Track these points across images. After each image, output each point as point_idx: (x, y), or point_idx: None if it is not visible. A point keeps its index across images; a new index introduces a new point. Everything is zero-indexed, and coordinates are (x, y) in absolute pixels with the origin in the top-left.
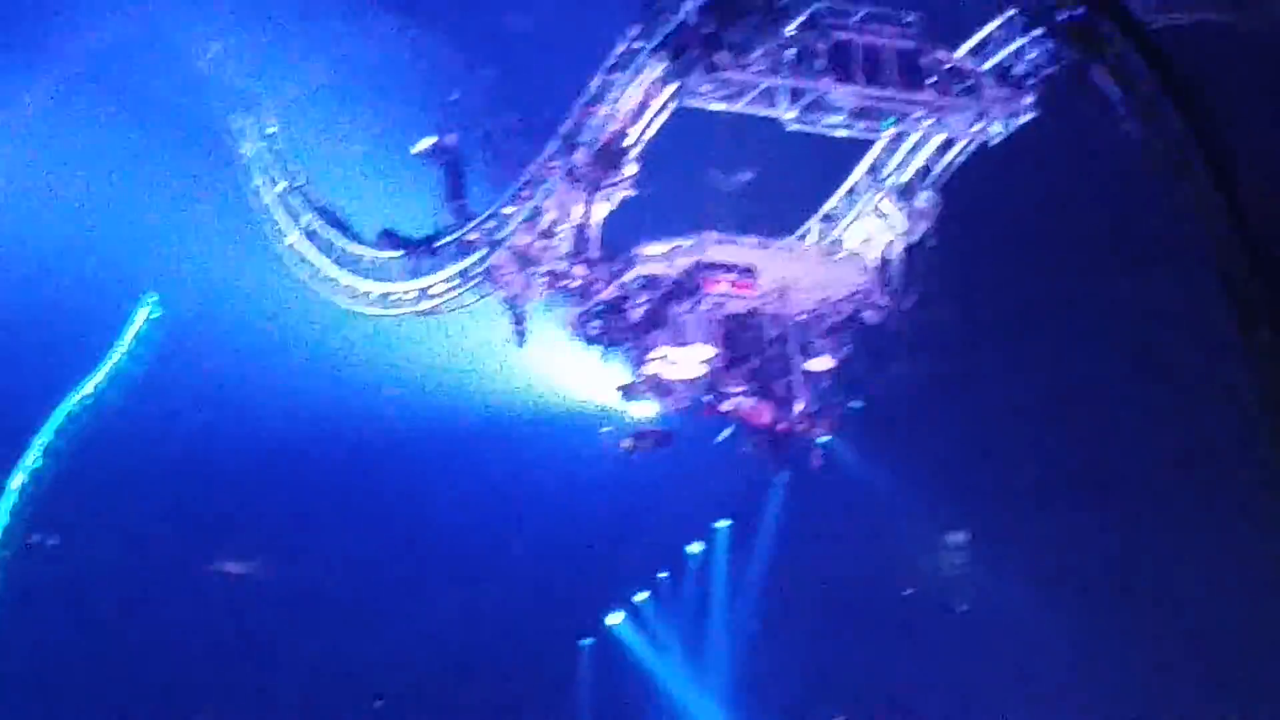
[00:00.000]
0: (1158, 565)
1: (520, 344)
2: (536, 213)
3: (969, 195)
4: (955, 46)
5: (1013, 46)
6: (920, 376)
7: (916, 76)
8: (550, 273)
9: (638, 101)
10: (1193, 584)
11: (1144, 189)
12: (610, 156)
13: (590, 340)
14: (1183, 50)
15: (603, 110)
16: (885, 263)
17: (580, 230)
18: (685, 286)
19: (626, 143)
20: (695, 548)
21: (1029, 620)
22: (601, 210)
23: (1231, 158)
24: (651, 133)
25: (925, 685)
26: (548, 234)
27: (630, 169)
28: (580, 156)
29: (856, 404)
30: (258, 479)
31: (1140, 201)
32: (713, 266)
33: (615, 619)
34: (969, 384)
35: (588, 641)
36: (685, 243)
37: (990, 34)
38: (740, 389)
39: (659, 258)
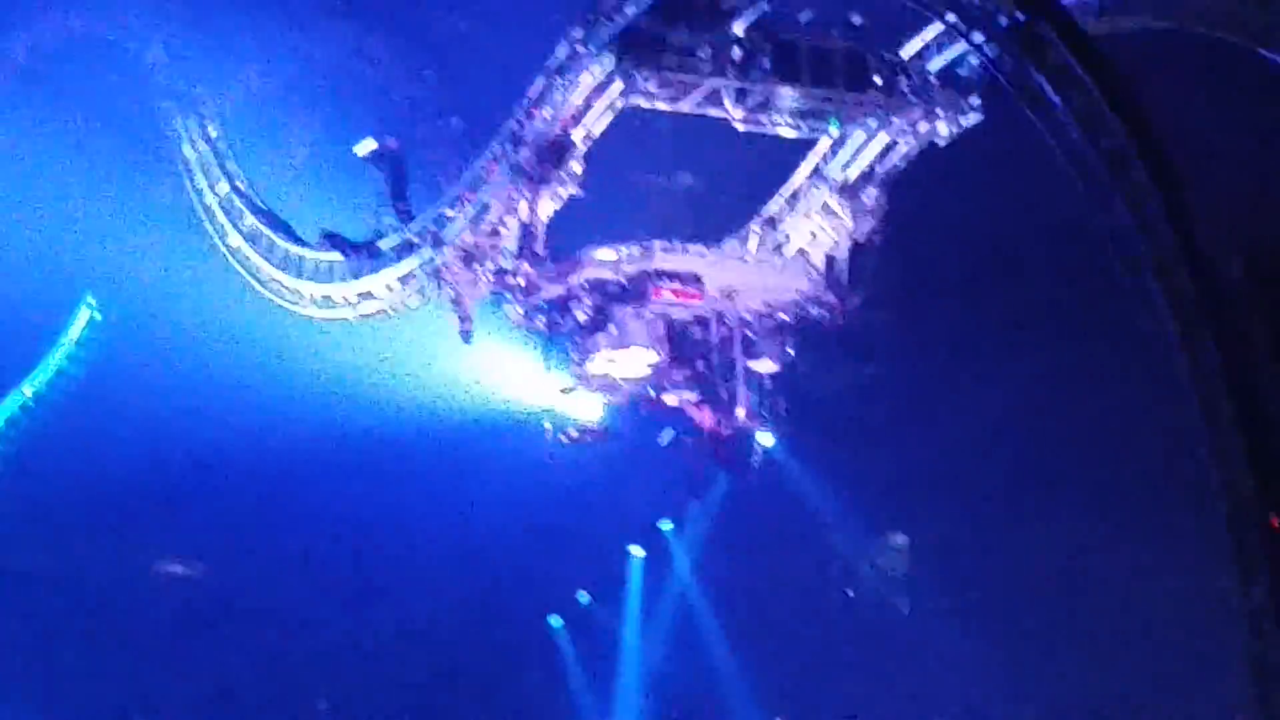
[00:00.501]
0: (1100, 570)
1: (467, 341)
2: (483, 210)
3: (914, 197)
4: (902, 48)
5: (958, 49)
6: (863, 379)
7: (863, 78)
8: (497, 270)
9: (583, 100)
10: (1134, 590)
11: (1086, 196)
12: (556, 154)
13: (535, 334)
14: (1123, 57)
15: (548, 108)
16: (831, 260)
17: (526, 228)
18: (631, 292)
19: (573, 141)
20: (637, 550)
21: (971, 623)
22: (547, 208)
23: (1172, 165)
24: (598, 131)
25: (868, 687)
26: (494, 232)
27: (576, 167)
28: (526, 154)
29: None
30: (200, 480)
31: (1082, 208)
32: (659, 275)
33: (555, 620)
34: (912, 387)
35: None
36: (633, 250)
37: (936, 36)
38: (683, 385)
39: (606, 263)
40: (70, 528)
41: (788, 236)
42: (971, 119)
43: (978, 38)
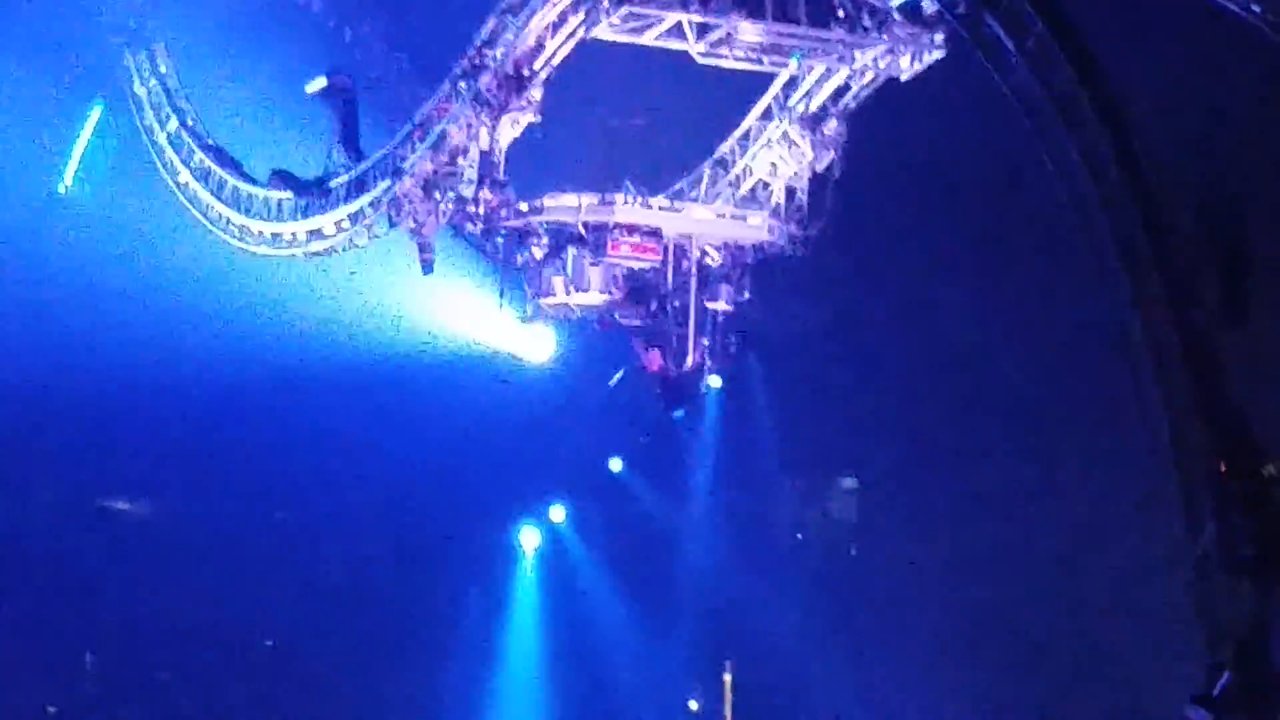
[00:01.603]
0: (1050, 514)
1: (428, 271)
2: (442, 138)
3: (871, 133)
4: None
5: None
6: (816, 319)
7: (826, 13)
8: (458, 199)
9: (545, 28)
10: (1082, 534)
11: (1037, 138)
12: (517, 81)
13: (491, 265)
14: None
15: (510, 34)
16: (791, 191)
17: (486, 156)
18: (589, 241)
19: (534, 66)
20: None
21: (918, 566)
22: (507, 135)
23: (1122, 109)
24: (558, 60)
25: (813, 628)
26: (453, 160)
27: (536, 94)
28: (486, 80)
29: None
30: (147, 416)
31: (1034, 151)
32: (618, 228)
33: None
34: (864, 327)
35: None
36: (592, 200)
37: None
38: (634, 318)
39: (567, 209)
40: (10, 463)
41: (748, 171)
42: (935, 56)
43: None
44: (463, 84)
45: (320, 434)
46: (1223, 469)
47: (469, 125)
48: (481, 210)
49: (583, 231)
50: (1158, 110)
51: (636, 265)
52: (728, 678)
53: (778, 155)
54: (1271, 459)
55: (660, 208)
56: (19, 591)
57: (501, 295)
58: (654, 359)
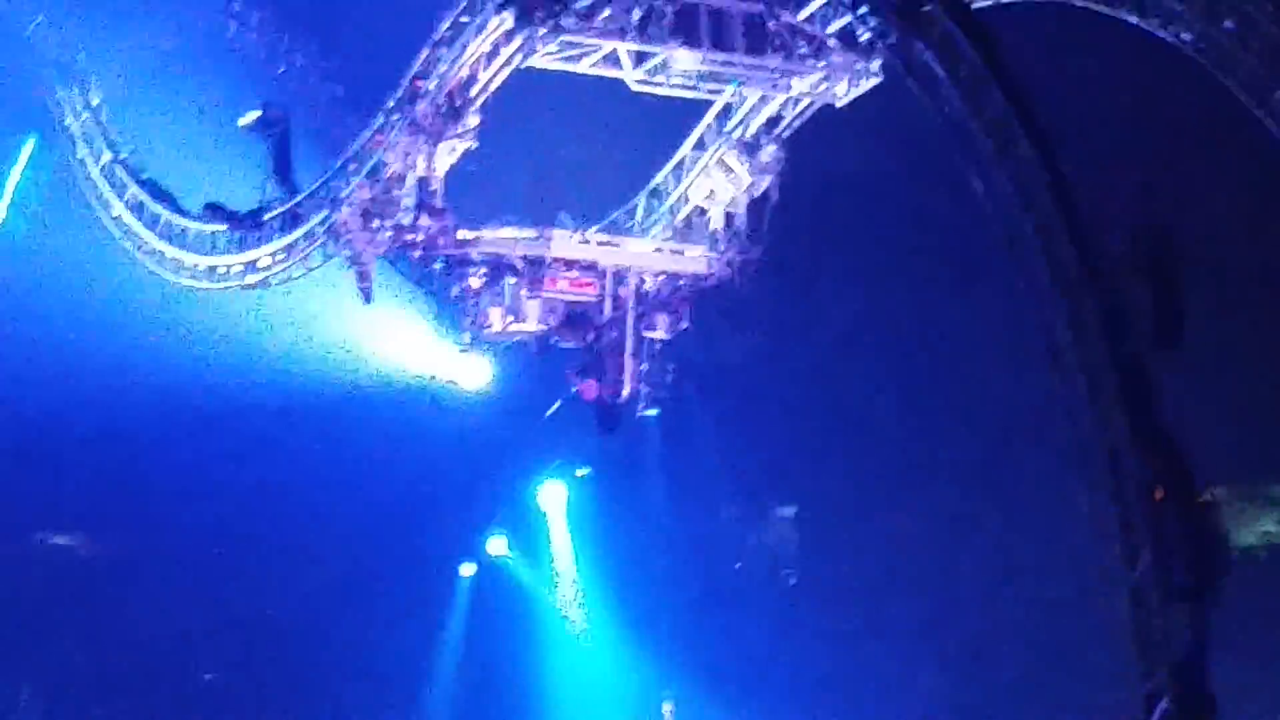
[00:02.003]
0: (985, 541)
1: (368, 300)
2: (379, 166)
3: (805, 160)
4: (801, 10)
5: (859, 11)
6: (751, 348)
7: (762, 40)
8: (395, 227)
9: (482, 54)
10: (1019, 563)
11: (970, 167)
12: (453, 108)
13: (428, 295)
14: (1008, 29)
15: (446, 60)
16: (730, 217)
17: (424, 182)
18: (526, 274)
19: (470, 94)
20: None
21: (858, 594)
22: (444, 162)
23: (1053, 138)
24: (495, 85)
25: (755, 658)
26: (390, 188)
27: (473, 120)
28: (423, 107)
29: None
30: (84, 450)
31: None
32: (556, 262)
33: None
34: (802, 354)
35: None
36: (529, 234)
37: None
38: (571, 344)
39: (504, 241)
40: None
41: (685, 198)
42: (871, 82)
43: (862, 9)
44: (397, 115)
45: (258, 464)
46: (1159, 495)
47: (406, 153)
48: (420, 238)
49: (518, 264)
50: (1088, 135)
51: (574, 299)
52: (667, 708)
53: (715, 182)
54: (1207, 484)
55: (598, 242)
56: None
57: (438, 324)
58: (589, 388)
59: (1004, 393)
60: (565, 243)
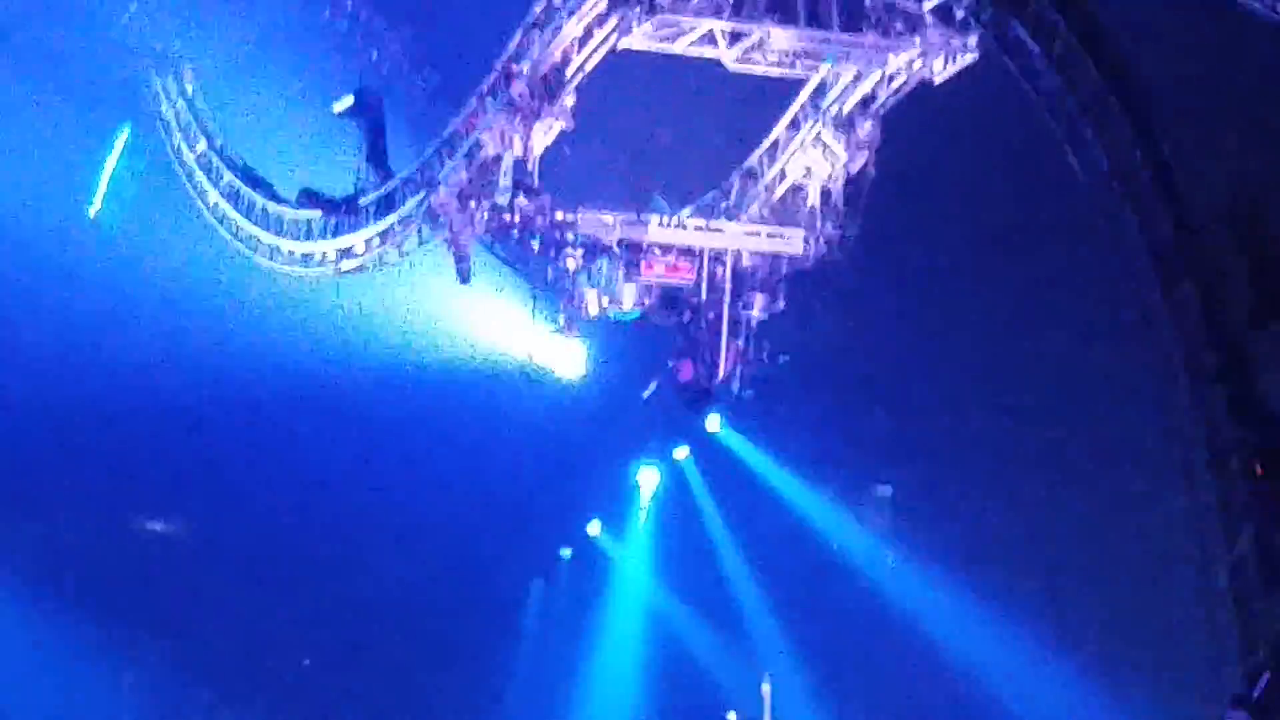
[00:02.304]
0: (1085, 519)
1: (465, 281)
2: (476, 147)
3: (902, 138)
4: None
5: None
6: (847, 327)
7: (858, 18)
8: (492, 207)
9: (577, 36)
10: (1118, 540)
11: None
12: (549, 87)
13: (524, 277)
14: (1103, 4)
15: (541, 42)
16: (827, 194)
17: (520, 163)
18: (623, 257)
19: (566, 74)
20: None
21: (956, 574)
22: (540, 142)
23: (1150, 111)
24: (590, 65)
25: (856, 637)
26: (487, 168)
27: (569, 100)
28: (518, 88)
29: (783, 358)
30: (184, 436)
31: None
32: (653, 246)
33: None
34: (897, 335)
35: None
36: (629, 217)
37: None
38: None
39: (600, 224)
40: (50, 485)
41: (781, 176)
42: (968, 59)
43: None
44: (491, 97)
45: (355, 450)
46: (1259, 471)
47: (502, 134)
48: (517, 218)
49: (615, 247)
50: (1185, 112)
51: (670, 283)
52: (766, 688)
53: (811, 159)
54: None
55: (695, 227)
56: (59, 609)
57: (533, 307)
58: (685, 369)
59: (1103, 371)
60: (662, 229)
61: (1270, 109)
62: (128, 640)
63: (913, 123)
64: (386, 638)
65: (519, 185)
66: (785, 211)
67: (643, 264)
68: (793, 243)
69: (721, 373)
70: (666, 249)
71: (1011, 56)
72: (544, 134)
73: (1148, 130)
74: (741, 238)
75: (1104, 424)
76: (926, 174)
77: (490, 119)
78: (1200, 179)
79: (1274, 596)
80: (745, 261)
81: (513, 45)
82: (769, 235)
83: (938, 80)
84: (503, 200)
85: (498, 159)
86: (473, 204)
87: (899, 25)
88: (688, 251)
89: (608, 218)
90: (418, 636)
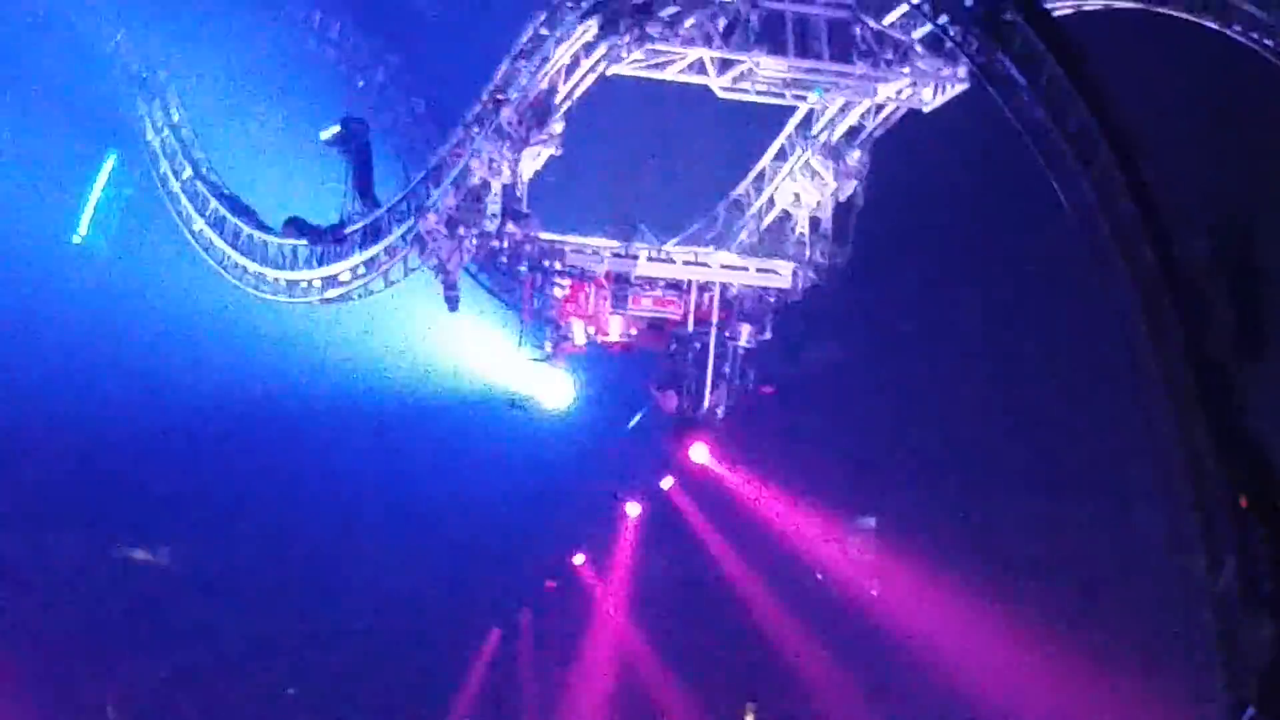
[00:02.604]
0: (1066, 547)
1: (453, 308)
2: (464, 173)
3: (888, 168)
4: (886, 15)
5: (940, 20)
6: (830, 357)
7: (848, 47)
8: (481, 233)
9: (565, 64)
10: (1100, 567)
11: (1053, 175)
12: (537, 114)
13: (510, 307)
14: (1088, 37)
15: (529, 70)
16: (816, 222)
17: (509, 189)
18: (610, 290)
19: (555, 101)
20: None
21: (938, 606)
22: (529, 168)
23: (1136, 145)
24: (580, 92)
25: (837, 670)
26: (476, 196)
27: (557, 126)
28: (507, 114)
29: (766, 389)
30: (169, 467)
31: (1050, 188)
32: (641, 281)
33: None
34: (881, 365)
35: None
36: (617, 249)
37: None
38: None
39: (589, 255)
40: (33, 510)
41: (770, 204)
42: (958, 88)
43: (943, 19)
44: (476, 128)
45: (341, 480)
46: (1243, 503)
47: (490, 161)
48: (506, 245)
49: (603, 279)
50: (1170, 142)
51: (657, 316)
52: (750, 716)
53: (800, 186)
54: None
55: (684, 260)
56: (41, 641)
57: (520, 337)
58: (669, 399)
59: (1089, 401)
60: (651, 262)
61: (1257, 138)
62: (109, 668)
63: (900, 148)
64: (370, 666)
65: (507, 212)
66: (775, 240)
67: (631, 297)
68: (781, 277)
69: (706, 403)
70: (654, 282)
71: (998, 89)
72: (532, 160)
73: (1133, 161)
74: (729, 271)
75: (1093, 455)
76: (911, 202)
77: (478, 145)
78: (1185, 209)
79: (1258, 630)
80: (733, 291)
81: (500, 73)
82: (758, 270)
83: (928, 109)
84: (491, 227)
85: (486, 186)
86: (461, 231)
87: (889, 55)
88: (675, 285)
89: (598, 242)
90: (402, 665)
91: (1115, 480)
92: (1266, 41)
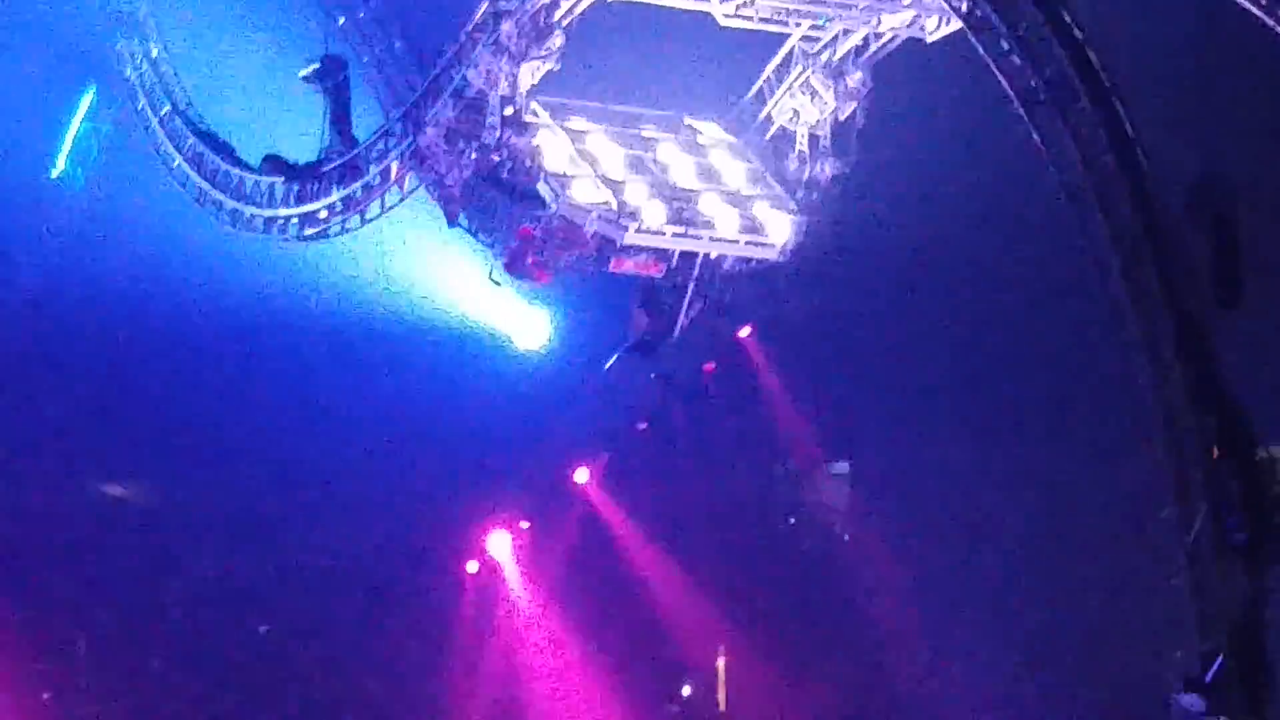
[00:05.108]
0: (1041, 496)
1: (453, 224)
2: (464, 84)
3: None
4: None
5: None
6: (806, 304)
7: None
8: (480, 146)
9: None
10: (1075, 516)
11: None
12: (538, 28)
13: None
14: None
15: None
16: (815, 139)
17: (507, 100)
18: (595, 252)
19: (555, 16)
20: (582, 474)
21: (910, 551)
22: (527, 83)
23: (1115, 92)
24: (581, 7)
25: (810, 612)
26: (475, 109)
27: (557, 40)
28: (508, 27)
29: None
30: (143, 404)
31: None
32: (626, 248)
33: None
34: (861, 312)
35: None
36: (607, 213)
37: None
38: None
39: (582, 209)
40: (7, 446)
41: (769, 119)
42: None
43: None
44: (474, 40)
45: (318, 415)
46: (1216, 454)
47: (488, 72)
48: (506, 156)
49: (589, 240)
50: (1150, 94)
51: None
52: (721, 662)
53: (800, 103)
54: (1264, 444)
55: (673, 234)
56: (14, 578)
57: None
58: (640, 319)
59: (1066, 349)
60: (639, 235)
61: (1237, 91)
62: (82, 606)
63: (885, 107)
64: (343, 606)
65: (506, 122)
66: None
67: (613, 260)
68: (769, 248)
69: (677, 332)
70: (640, 250)
71: (979, 37)
72: (530, 75)
73: (1113, 112)
74: (718, 244)
75: (1069, 403)
76: (889, 152)
77: (477, 56)
78: (1165, 160)
79: (1230, 580)
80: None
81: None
82: (747, 242)
83: (930, 39)
84: (490, 139)
85: (484, 97)
86: (460, 144)
87: None
88: (660, 252)
89: (587, 198)
90: (378, 602)
91: (1095, 431)
92: None
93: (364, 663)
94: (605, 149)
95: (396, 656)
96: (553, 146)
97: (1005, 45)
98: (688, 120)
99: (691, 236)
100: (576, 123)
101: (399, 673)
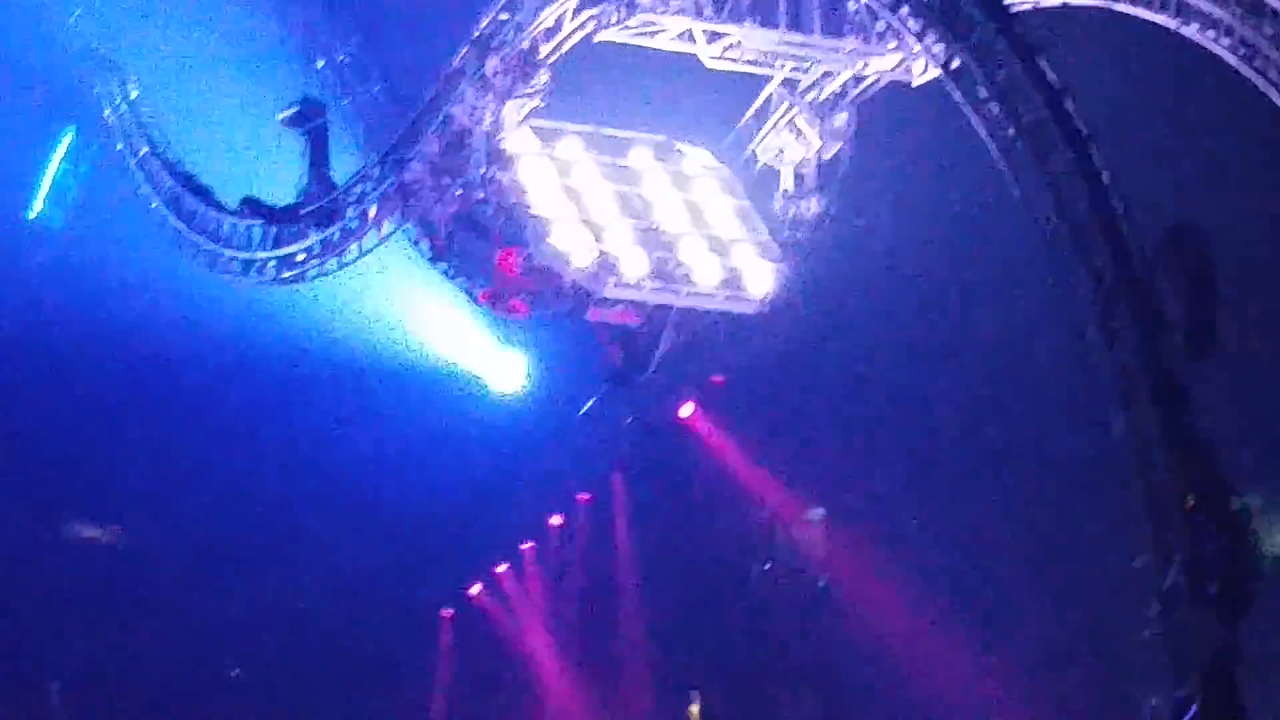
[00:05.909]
0: (1014, 546)
1: (436, 261)
2: (447, 120)
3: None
4: None
5: (900, 11)
6: (782, 348)
7: (839, 21)
8: (466, 183)
9: (552, 23)
10: (1049, 566)
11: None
12: (523, 66)
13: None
14: (1046, 33)
15: (514, 25)
16: (799, 177)
17: (490, 137)
18: (571, 301)
19: (541, 54)
20: (556, 519)
21: (887, 594)
22: (513, 120)
23: (1091, 143)
24: (567, 48)
25: (784, 660)
26: (459, 145)
27: (543, 77)
28: (493, 64)
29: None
30: (119, 445)
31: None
32: (604, 301)
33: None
34: (833, 358)
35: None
36: (590, 264)
37: None
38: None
39: (559, 255)
40: None
41: (754, 157)
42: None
43: (903, 9)
44: (459, 77)
45: (293, 459)
46: (1190, 502)
47: (473, 109)
48: (490, 194)
49: (567, 288)
50: (1126, 142)
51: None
52: (694, 709)
53: (785, 141)
54: (1239, 492)
55: (652, 288)
56: None
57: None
58: (614, 352)
59: (1043, 396)
60: (618, 289)
61: (1210, 137)
62: (55, 649)
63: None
64: (314, 649)
65: (491, 158)
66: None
67: (590, 310)
68: (749, 303)
69: (652, 368)
70: (617, 302)
71: (956, 83)
72: (517, 112)
73: (1088, 160)
74: (697, 298)
75: (1047, 449)
76: (866, 197)
77: (462, 91)
78: (1140, 206)
79: (1204, 630)
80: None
81: (484, 23)
82: (725, 298)
83: (916, 83)
84: (474, 177)
85: (469, 133)
86: (446, 181)
87: (880, 29)
88: (637, 304)
89: (567, 246)
90: (349, 645)
91: (1074, 476)
92: (1224, 40)
93: (337, 706)
94: (591, 183)
95: (370, 700)
96: (537, 182)
97: (984, 93)
98: (678, 146)
99: (670, 290)
100: (565, 149)
101: (373, 717)
